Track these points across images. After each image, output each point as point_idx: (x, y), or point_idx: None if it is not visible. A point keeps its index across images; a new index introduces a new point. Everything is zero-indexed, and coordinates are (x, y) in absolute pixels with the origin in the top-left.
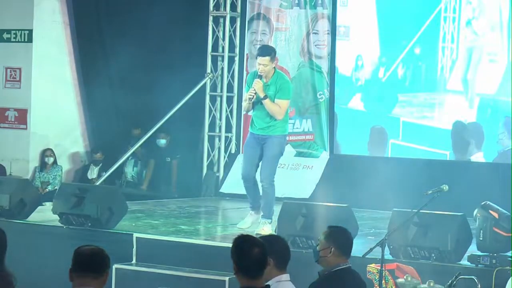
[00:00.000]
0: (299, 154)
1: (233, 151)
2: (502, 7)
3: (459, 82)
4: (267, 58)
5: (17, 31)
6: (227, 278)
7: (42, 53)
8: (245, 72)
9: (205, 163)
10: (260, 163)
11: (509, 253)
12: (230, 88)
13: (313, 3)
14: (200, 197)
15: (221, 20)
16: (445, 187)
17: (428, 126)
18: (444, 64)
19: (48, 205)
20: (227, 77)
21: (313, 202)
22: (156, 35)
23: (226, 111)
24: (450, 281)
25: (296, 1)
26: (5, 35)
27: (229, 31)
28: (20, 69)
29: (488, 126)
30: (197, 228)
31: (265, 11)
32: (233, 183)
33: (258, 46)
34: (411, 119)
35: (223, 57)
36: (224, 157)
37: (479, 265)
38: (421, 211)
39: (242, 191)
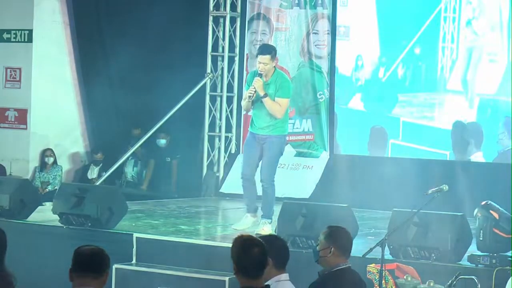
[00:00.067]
0: (299, 154)
1: (233, 151)
2: (502, 7)
3: (459, 82)
4: (268, 56)
5: (17, 31)
6: (227, 278)
7: (42, 53)
8: (245, 72)
9: (205, 163)
10: (260, 163)
11: (509, 253)
12: (230, 88)
13: (313, 3)
14: (200, 197)
15: (221, 20)
16: (445, 187)
17: (428, 126)
18: (444, 64)
19: (48, 205)
20: (227, 77)
21: (313, 202)
22: (156, 35)
23: (226, 111)
24: (450, 281)
25: (296, 1)
26: (5, 35)
27: (229, 31)
28: (20, 69)
29: (488, 126)
30: (197, 228)
31: (265, 11)
32: (233, 183)
33: (258, 46)
34: (411, 119)
35: (223, 57)
36: (224, 157)
37: (479, 265)
38: (421, 211)
39: (242, 191)
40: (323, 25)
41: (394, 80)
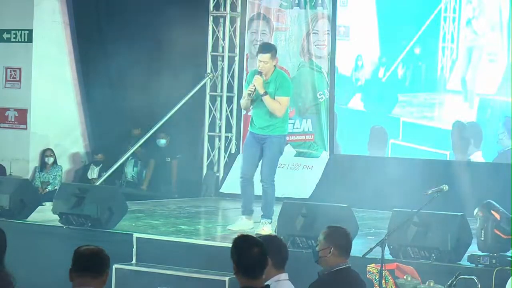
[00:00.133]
0: (299, 154)
1: (233, 151)
2: (502, 7)
3: (459, 82)
4: (268, 55)
5: (17, 31)
6: (227, 278)
7: (42, 53)
8: (245, 72)
9: (205, 163)
10: (260, 163)
11: (509, 253)
12: (230, 88)
13: (313, 3)
14: (200, 197)
15: (221, 20)
16: (445, 187)
17: (428, 126)
18: (444, 64)
19: (48, 205)
20: (227, 77)
21: (313, 202)
22: (156, 35)
23: (226, 111)
24: (450, 281)
25: (296, 1)
26: (5, 35)
27: (229, 31)
28: (20, 69)
29: (488, 126)
30: (197, 228)
31: (265, 11)
32: (233, 183)
33: (258, 46)
34: (411, 119)
35: (223, 57)
36: (224, 157)
37: (479, 265)
38: (421, 211)
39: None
40: (323, 25)
41: (394, 80)
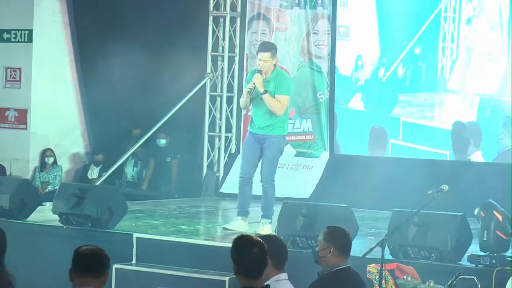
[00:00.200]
0: (299, 154)
1: (233, 151)
2: (502, 7)
3: (459, 82)
4: (268, 54)
5: (17, 31)
6: (227, 278)
7: (42, 53)
8: (245, 72)
9: (205, 163)
10: (260, 163)
11: (509, 253)
12: (230, 88)
13: (313, 3)
14: (200, 197)
15: (221, 20)
16: (445, 187)
17: (428, 126)
18: (444, 64)
19: (48, 205)
20: (227, 77)
21: (313, 202)
22: (156, 35)
23: (226, 111)
24: (450, 281)
25: (296, 1)
26: (5, 35)
27: (229, 31)
28: (20, 69)
29: (488, 126)
30: (197, 228)
31: (265, 11)
32: (233, 183)
33: (258, 45)
34: (411, 119)
35: (223, 57)
36: (224, 157)
37: (479, 265)
38: (421, 211)
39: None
40: (323, 25)
41: (394, 80)
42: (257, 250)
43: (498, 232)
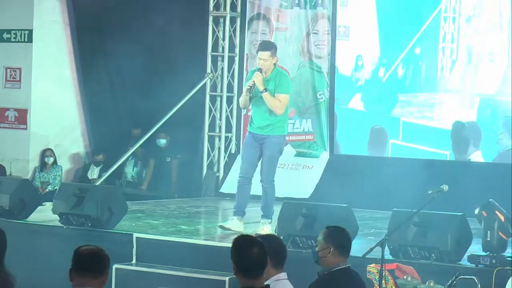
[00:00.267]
0: (299, 154)
1: (233, 151)
2: (502, 7)
3: (459, 82)
4: (268, 53)
5: (17, 31)
6: (227, 278)
7: (42, 53)
8: (245, 72)
9: (205, 163)
10: (260, 163)
11: (509, 253)
12: (230, 88)
13: (313, 3)
14: (200, 197)
15: (221, 20)
16: (445, 187)
17: (428, 126)
18: (444, 64)
19: (48, 205)
20: (227, 77)
21: (313, 202)
22: (156, 35)
23: (226, 111)
24: (450, 281)
25: (296, 1)
26: (5, 35)
27: (229, 31)
28: (20, 69)
29: (487, 126)
30: (197, 228)
31: (265, 11)
32: (233, 183)
33: (258, 44)
34: (411, 119)
35: (223, 57)
36: (224, 157)
37: (479, 265)
38: (421, 211)
39: (236, 191)
40: (323, 25)
41: (394, 80)
42: (257, 250)
43: (500, 233)
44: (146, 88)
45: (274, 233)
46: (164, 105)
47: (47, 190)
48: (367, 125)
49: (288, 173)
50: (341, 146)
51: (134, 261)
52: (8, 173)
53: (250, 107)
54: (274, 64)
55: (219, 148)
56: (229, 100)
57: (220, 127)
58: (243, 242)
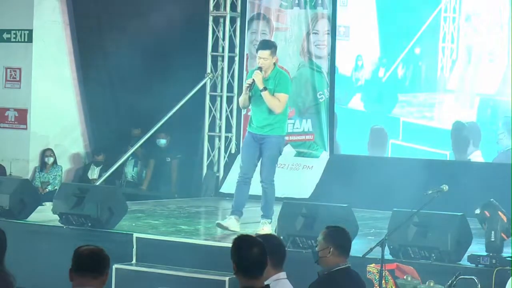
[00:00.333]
0: (299, 154)
1: (233, 151)
2: (502, 7)
3: (459, 82)
4: (268, 51)
5: (17, 31)
6: (227, 278)
7: (42, 53)
8: (245, 72)
9: (205, 163)
10: (259, 164)
11: (509, 253)
12: (230, 88)
13: (313, 3)
14: (200, 197)
15: (221, 20)
16: (445, 187)
17: (428, 126)
18: (444, 64)
19: (48, 205)
20: (227, 77)
21: (313, 202)
22: (156, 35)
23: (226, 111)
24: (450, 281)
25: (296, 1)
26: (5, 35)
27: (229, 31)
28: (20, 69)
29: (487, 126)
30: (197, 228)
31: (265, 11)
32: (233, 183)
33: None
34: (411, 119)
35: (223, 57)
36: (224, 157)
37: (479, 265)
38: (421, 211)
39: (235, 190)
40: (323, 25)
41: (394, 80)
42: (257, 250)
43: (502, 233)
44: (146, 88)
45: (274, 233)
46: (164, 105)
47: (47, 190)
48: (367, 125)
49: (288, 173)
50: (341, 146)
51: (134, 261)
52: (8, 173)
53: (249, 107)
54: (274, 64)
55: (219, 148)
56: (229, 100)
57: (220, 127)
58: (243, 242)
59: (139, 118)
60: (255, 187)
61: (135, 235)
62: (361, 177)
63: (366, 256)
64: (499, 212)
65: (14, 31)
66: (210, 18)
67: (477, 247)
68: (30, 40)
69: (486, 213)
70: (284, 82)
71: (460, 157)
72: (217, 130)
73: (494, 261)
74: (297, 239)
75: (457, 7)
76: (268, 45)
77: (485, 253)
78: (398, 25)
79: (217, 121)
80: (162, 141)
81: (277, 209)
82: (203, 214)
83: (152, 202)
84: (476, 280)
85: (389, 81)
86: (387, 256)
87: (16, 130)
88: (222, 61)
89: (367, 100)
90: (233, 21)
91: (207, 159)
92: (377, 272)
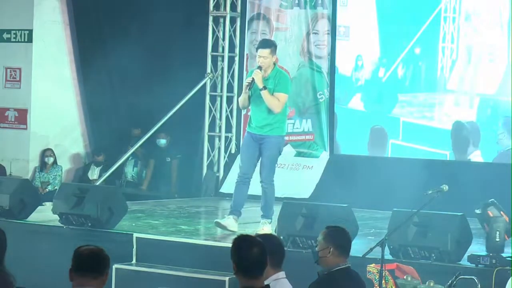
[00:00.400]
0: (299, 154)
1: (233, 151)
2: (502, 7)
3: (459, 82)
4: (268, 50)
5: (17, 31)
6: (227, 278)
7: (42, 53)
8: (245, 72)
9: (205, 163)
10: (259, 164)
11: (509, 253)
12: (230, 88)
13: (313, 3)
14: (200, 197)
15: (221, 20)
16: (445, 187)
17: (428, 126)
18: (444, 64)
19: (48, 205)
20: (227, 77)
21: (313, 202)
22: (156, 35)
23: (226, 111)
24: (450, 281)
25: (296, 1)
26: (5, 35)
27: (229, 31)
28: (20, 69)
29: (487, 126)
30: (197, 228)
31: (265, 11)
32: (233, 183)
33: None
34: (411, 119)
35: (223, 57)
36: (224, 157)
37: (479, 265)
38: (421, 211)
39: (234, 190)
40: (323, 25)
41: (394, 80)
42: (256, 250)
43: (504, 234)
44: (146, 88)
45: (274, 233)
46: (164, 105)
47: (47, 190)
48: (367, 125)
49: (288, 173)
50: (341, 146)
51: (134, 261)
52: (8, 173)
53: (249, 107)
54: (274, 63)
55: (219, 148)
56: (229, 100)
57: (220, 127)
58: (243, 242)
59: (139, 118)
60: (255, 187)
61: (135, 235)
62: (361, 177)
63: (366, 256)
64: (502, 213)
65: (14, 31)
66: (210, 18)
67: (477, 247)
68: (30, 40)
69: (489, 213)
70: (284, 82)
71: (460, 157)
72: (217, 130)
73: (494, 261)
74: (297, 239)
75: (457, 7)
76: (268, 43)
77: (485, 253)
78: (398, 25)
79: (217, 121)
80: (162, 141)
81: (277, 209)
82: (203, 214)
83: (152, 202)
84: (476, 280)
85: (389, 81)
86: (387, 256)
87: (16, 130)
88: (222, 61)
89: (367, 100)
90: (233, 21)
91: (207, 159)
92: (377, 272)
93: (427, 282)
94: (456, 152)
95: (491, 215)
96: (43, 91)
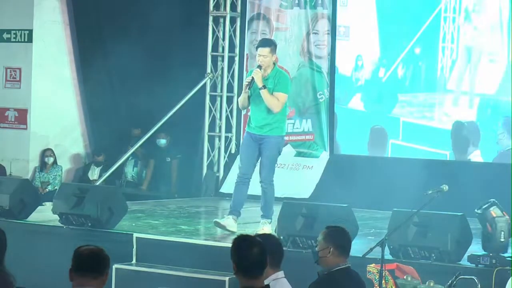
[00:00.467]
0: (299, 154)
1: (233, 151)
2: (502, 7)
3: (459, 82)
4: (267, 49)
5: (17, 31)
6: (227, 278)
7: (42, 53)
8: (245, 72)
9: (205, 163)
10: (259, 164)
11: (509, 253)
12: (230, 88)
13: (313, 3)
14: (200, 197)
15: (221, 20)
16: (445, 187)
17: (428, 126)
18: (444, 64)
19: (48, 205)
20: (227, 77)
21: (313, 202)
22: (156, 35)
23: (226, 111)
24: (450, 281)
25: (296, 1)
26: (5, 35)
27: (229, 31)
28: (20, 69)
29: (487, 126)
30: (197, 228)
31: (265, 11)
32: (233, 183)
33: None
34: (411, 119)
35: (223, 57)
36: (224, 157)
37: (479, 265)
38: (421, 211)
39: (233, 190)
40: (323, 25)
41: (394, 80)
42: (256, 250)
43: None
44: (146, 88)
45: (274, 233)
46: (164, 105)
47: (47, 190)
48: (367, 125)
49: (288, 173)
50: (341, 146)
51: (134, 261)
52: (8, 173)
53: (249, 107)
54: (274, 63)
55: (219, 148)
56: (229, 100)
57: (220, 127)
58: (243, 242)
59: (139, 118)
60: (255, 187)
61: (135, 235)
62: (361, 177)
63: (366, 256)
64: (503, 213)
65: (14, 31)
66: (210, 18)
67: (477, 247)
68: (30, 40)
69: (492, 213)
70: (284, 82)
71: (460, 157)
72: (217, 130)
73: (494, 261)
74: (297, 239)
75: (457, 7)
76: (267, 42)
77: (485, 253)
78: (398, 25)
79: (217, 121)
80: (162, 141)
81: (277, 209)
82: (203, 214)
83: (152, 202)
84: (476, 280)
85: (389, 81)
86: (387, 256)
87: (16, 130)
88: (222, 61)
89: (367, 100)
90: (233, 21)
91: (207, 159)
92: (377, 272)
93: (427, 282)
94: (456, 152)
95: (494, 215)
96: (43, 91)
